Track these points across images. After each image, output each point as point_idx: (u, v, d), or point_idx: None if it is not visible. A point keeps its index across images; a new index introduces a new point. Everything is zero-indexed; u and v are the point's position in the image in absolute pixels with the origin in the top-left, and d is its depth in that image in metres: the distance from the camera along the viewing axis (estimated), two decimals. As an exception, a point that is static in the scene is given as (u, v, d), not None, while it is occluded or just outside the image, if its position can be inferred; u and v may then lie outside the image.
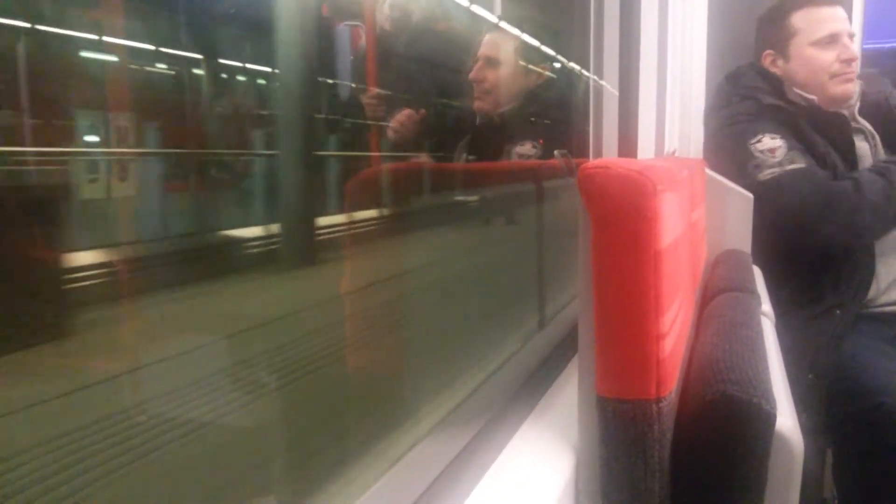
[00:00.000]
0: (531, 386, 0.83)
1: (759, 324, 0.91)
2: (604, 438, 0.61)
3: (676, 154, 1.88)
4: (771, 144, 1.59)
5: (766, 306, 1.20)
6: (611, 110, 1.34)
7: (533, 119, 1.57)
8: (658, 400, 0.59)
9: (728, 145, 1.69)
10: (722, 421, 0.61)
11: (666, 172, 0.68)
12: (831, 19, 1.67)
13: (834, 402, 1.48)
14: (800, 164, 1.55)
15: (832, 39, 1.66)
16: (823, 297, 1.58)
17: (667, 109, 1.67)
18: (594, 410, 0.61)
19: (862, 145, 1.68)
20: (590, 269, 0.59)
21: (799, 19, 1.69)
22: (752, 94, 1.71)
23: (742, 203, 1.62)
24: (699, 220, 1.25)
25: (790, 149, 1.57)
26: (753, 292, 1.13)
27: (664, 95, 1.62)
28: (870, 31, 2.83)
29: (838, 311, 1.56)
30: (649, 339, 0.58)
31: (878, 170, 1.55)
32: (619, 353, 0.59)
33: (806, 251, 1.62)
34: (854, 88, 1.68)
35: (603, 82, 1.35)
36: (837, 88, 1.65)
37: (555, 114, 1.60)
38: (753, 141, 1.60)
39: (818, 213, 1.51)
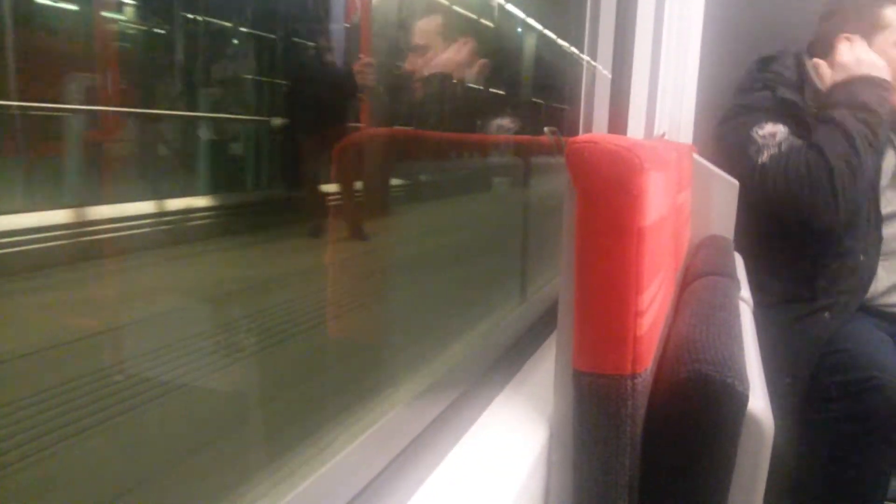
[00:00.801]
0: (509, 358, 0.83)
1: (736, 308, 0.92)
2: (578, 412, 0.61)
3: (666, 137, 1.88)
4: (772, 130, 1.57)
5: (745, 292, 1.21)
6: (602, 90, 1.34)
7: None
8: (633, 376, 0.59)
9: (731, 134, 1.66)
10: (695, 399, 0.61)
11: (654, 152, 0.68)
12: None
13: (822, 372, 1.49)
14: (797, 143, 1.54)
15: None
16: (807, 290, 1.59)
17: (658, 93, 1.66)
18: (570, 384, 0.61)
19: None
20: (573, 242, 0.59)
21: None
22: (771, 84, 1.67)
23: (727, 190, 1.62)
24: (684, 204, 1.25)
25: (790, 133, 1.55)
26: (733, 277, 1.14)
27: (657, 79, 1.61)
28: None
29: (827, 313, 1.56)
30: (628, 316, 0.58)
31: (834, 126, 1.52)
32: (597, 327, 0.59)
33: (796, 239, 1.60)
34: None
35: (596, 63, 1.35)
36: None
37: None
38: (757, 128, 1.59)
39: (820, 188, 1.48)
